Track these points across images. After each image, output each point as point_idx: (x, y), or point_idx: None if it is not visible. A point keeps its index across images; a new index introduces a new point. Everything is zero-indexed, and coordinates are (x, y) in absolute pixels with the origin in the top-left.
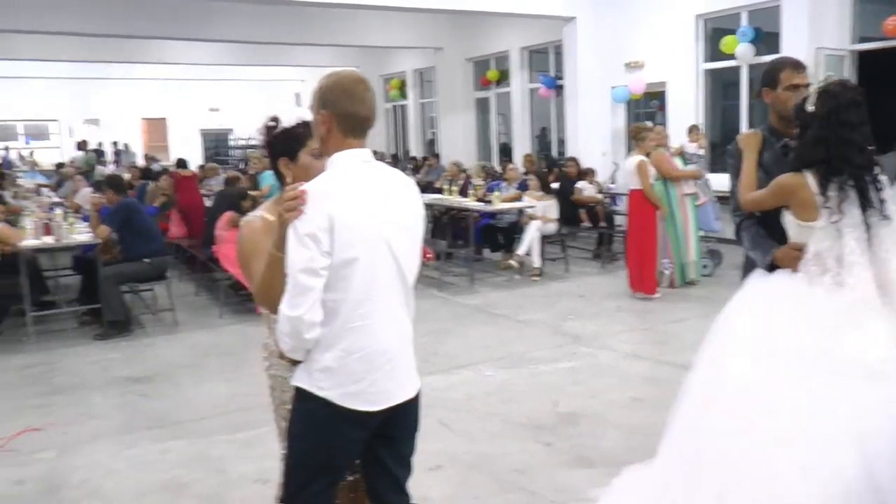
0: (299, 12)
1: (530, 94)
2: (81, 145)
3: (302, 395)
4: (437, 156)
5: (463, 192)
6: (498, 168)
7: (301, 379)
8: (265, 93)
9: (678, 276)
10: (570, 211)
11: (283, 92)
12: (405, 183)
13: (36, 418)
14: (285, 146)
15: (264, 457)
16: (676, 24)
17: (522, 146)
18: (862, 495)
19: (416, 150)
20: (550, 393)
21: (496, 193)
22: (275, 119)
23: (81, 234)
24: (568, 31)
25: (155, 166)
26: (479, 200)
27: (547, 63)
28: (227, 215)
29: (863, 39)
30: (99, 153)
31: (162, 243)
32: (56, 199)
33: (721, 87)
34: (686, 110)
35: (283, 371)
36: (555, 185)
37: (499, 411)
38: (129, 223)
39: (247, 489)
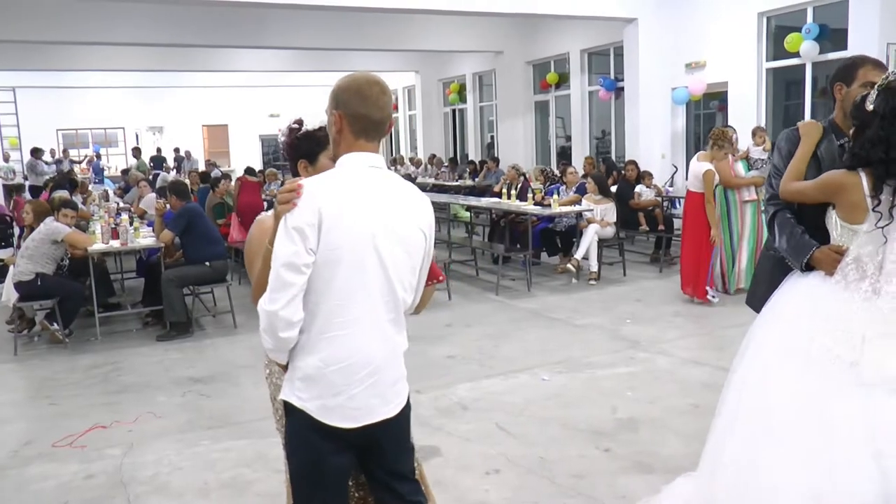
0: (357, 18)
1: (589, 96)
2: (136, 152)
3: (287, 409)
4: (496, 160)
5: (521, 196)
6: (557, 171)
7: (285, 391)
8: (324, 99)
9: (730, 283)
10: (629, 214)
11: None
12: (412, 195)
13: (104, 416)
14: (306, 148)
15: None
16: (739, 22)
17: (582, 149)
18: None
19: (474, 153)
20: (609, 398)
21: (555, 197)
22: (299, 122)
23: (146, 238)
24: (629, 33)
25: (215, 172)
26: (538, 204)
27: (607, 65)
28: None
29: None
30: (160, 160)
31: (223, 247)
32: (122, 205)
33: (784, 86)
34: (748, 111)
35: (282, 380)
36: (613, 189)
37: (557, 416)
38: (192, 228)
39: None
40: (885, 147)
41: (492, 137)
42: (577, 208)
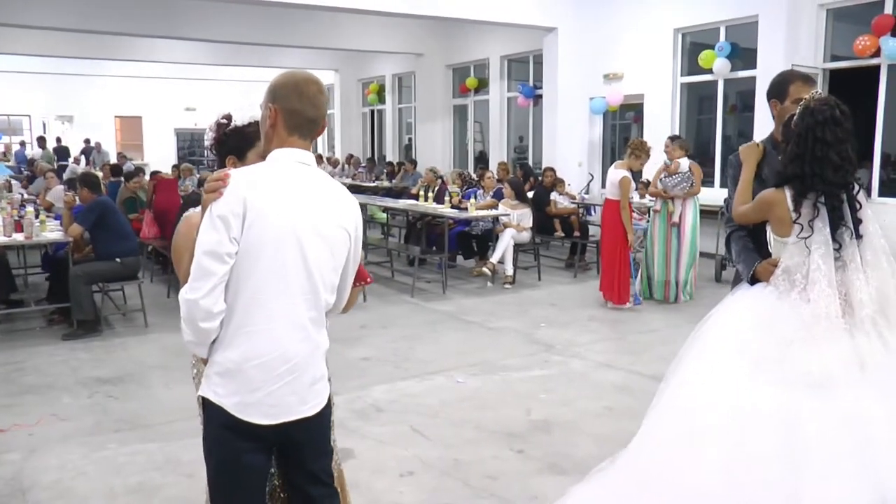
0: (279, 14)
1: (508, 102)
2: (41, 142)
3: (203, 405)
4: (413, 161)
5: (439, 199)
6: (474, 175)
7: (202, 387)
8: (242, 94)
9: (643, 291)
10: (545, 220)
11: (259, 93)
12: (340, 195)
13: (2, 419)
14: (235, 144)
15: None
16: (656, 37)
17: (499, 154)
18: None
19: (392, 154)
20: (523, 400)
21: (472, 201)
22: (227, 117)
23: (53, 231)
24: (548, 41)
25: (127, 165)
26: (455, 207)
27: (526, 72)
28: None
29: (834, 58)
30: (63, 151)
31: (135, 243)
32: (27, 196)
33: (697, 100)
34: (662, 123)
35: None
36: (530, 194)
37: (471, 418)
38: (103, 222)
39: None
40: (800, 164)
41: (410, 139)
42: (493, 212)
